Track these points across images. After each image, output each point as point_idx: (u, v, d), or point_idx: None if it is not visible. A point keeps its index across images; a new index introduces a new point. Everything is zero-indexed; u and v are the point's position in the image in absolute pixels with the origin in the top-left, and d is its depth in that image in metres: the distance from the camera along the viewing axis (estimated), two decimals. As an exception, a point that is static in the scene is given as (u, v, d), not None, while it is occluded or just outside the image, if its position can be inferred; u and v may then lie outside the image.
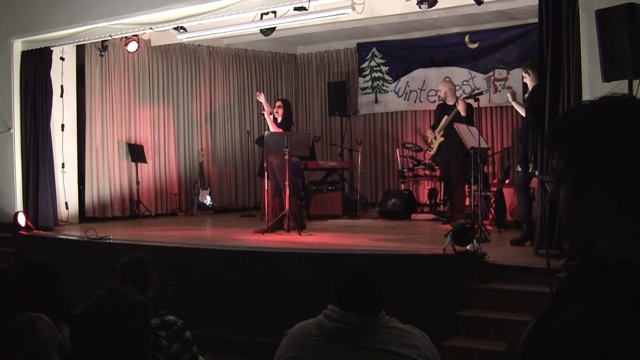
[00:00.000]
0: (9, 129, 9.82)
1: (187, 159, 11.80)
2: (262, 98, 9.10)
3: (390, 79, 11.97)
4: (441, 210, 9.70)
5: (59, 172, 10.05)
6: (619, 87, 5.15)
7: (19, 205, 9.71)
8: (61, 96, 10.18)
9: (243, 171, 12.22)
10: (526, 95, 7.01)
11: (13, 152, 9.81)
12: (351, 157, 11.57)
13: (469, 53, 11.12)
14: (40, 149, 9.63)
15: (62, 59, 10.14)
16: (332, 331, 2.57)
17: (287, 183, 8.16)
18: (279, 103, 9.01)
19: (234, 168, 12.32)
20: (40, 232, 9.31)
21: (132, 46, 10.09)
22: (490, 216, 8.48)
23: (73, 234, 9.09)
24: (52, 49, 9.77)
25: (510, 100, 7.09)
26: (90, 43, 10.01)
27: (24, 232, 9.25)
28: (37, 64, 9.76)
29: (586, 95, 5.62)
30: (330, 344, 2.56)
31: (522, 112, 6.86)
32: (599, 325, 1.01)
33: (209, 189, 11.63)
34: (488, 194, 8.52)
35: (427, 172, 9.86)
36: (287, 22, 8.77)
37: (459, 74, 11.13)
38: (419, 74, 11.67)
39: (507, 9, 9.65)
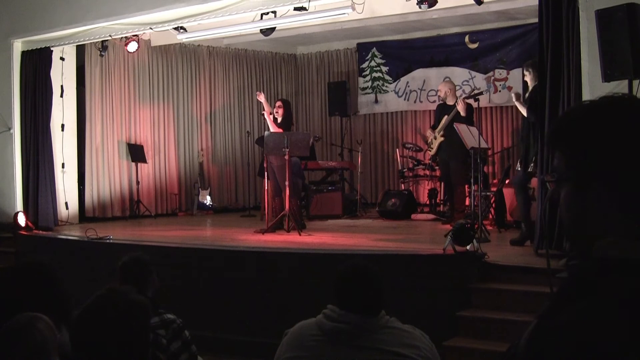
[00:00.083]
0: (9, 129, 9.83)
1: (187, 159, 11.80)
2: (262, 98, 9.10)
3: (390, 79, 11.97)
4: (441, 210, 9.70)
5: (59, 172, 10.05)
6: (619, 87, 5.15)
7: (19, 205, 9.71)
8: (61, 96, 10.18)
9: (243, 171, 12.22)
10: (527, 94, 7.01)
11: (13, 152, 9.81)
12: (351, 157, 11.57)
13: (469, 53, 11.12)
14: (40, 149, 9.63)
15: (62, 59, 10.14)
16: (332, 331, 2.57)
17: (287, 183, 8.16)
18: (279, 103, 9.01)
19: (234, 168, 12.32)
20: (40, 232, 9.31)
21: (132, 46, 10.09)
22: (490, 216, 8.48)
23: (73, 234, 9.09)
24: (52, 49, 9.77)
25: (514, 100, 7.08)
26: (90, 43, 10.01)
27: (24, 232, 9.25)
28: (37, 64, 9.76)
29: (586, 95, 5.62)
30: (330, 344, 2.56)
31: (525, 113, 6.86)
32: (599, 325, 1.01)
33: (209, 189, 11.63)
34: (488, 194, 8.52)
35: (427, 172, 9.86)
36: (287, 22, 8.77)
37: (459, 74, 11.13)
38: (419, 74, 11.67)
39: (507, 9, 9.65)
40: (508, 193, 8.42)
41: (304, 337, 2.62)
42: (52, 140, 9.85)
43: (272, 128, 8.78)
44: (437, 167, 9.53)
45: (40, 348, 2.20)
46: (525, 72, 6.91)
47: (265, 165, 8.81)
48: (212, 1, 8.10)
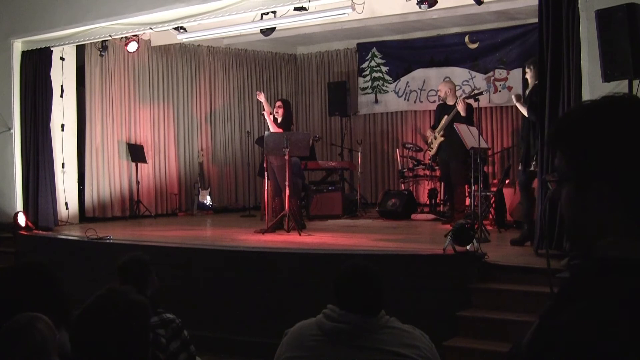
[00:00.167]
0: (9, 129, 9.82)
1: (187, 159, 11.80)
2: (262, 97, 9.10)
3: (390, 79, 11.97)
4: (441, 210, 9.70)
5: (59, 172, 10.05)
6: (619, 87, 5.15)
7: (19, 205, 9.71)
8: (61, 96, 10.18)
9: (243, 171, 12.22)
10: (527, 90, 7.02)
11: (13, 152, 9.81)
12: (351, 157, 11.57)
13: (469, 53, 11.13)
14: (40, 149, 9.63)
15: (62, 59, 10.14)
16: (332, 331, 2.57)
17: (287, 183, 8.16)
18: (279, 103, 9.01)
19: (234, 168, 12.32)
20: (40, 232, 9.31)
21: (132, 46, 10.08)
22: (490, 216, 8.48)
23: (73, 234, 9.09)
24: (52, 49, 9.77)
25: (514, 102, 7.08)
26: (90, 43, 10.01)
27: (24, 232, 9.25)
28: (37, 64, 9.76)
29: (586, 95, 5.61)
30: (330, 343, 2.56)
31: (526, 113, 6.85)
32: (599, 325, 1.01)
33: (209, 189, 11.63)
34: (488, 194, 8.51)
35: (427, 172, 9.86)
36: (287, 22, 8.77)
37: (459, 74, 11.13)
38: (419, 74, 11.67)
39: (507, 9, 9.65)
40: (508, 193, 8.42)
41: (304, 337, 2.62)
42: (52, 140, 9.85)
43: (272, 128, 8.78)
44: (437, 167, 9.53)
45: (40, 348, 2.20)
46: (527, 70, 6.92)
47: (265, 165, 8.81)
48: (212, 1, 8.10)
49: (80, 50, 10.56)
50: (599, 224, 1.15)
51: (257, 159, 11.72)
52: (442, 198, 9.85)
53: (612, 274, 1.08)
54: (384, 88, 12.04)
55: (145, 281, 3.63)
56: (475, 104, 7.98)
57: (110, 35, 9.34)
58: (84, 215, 10.62)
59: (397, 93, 11.92)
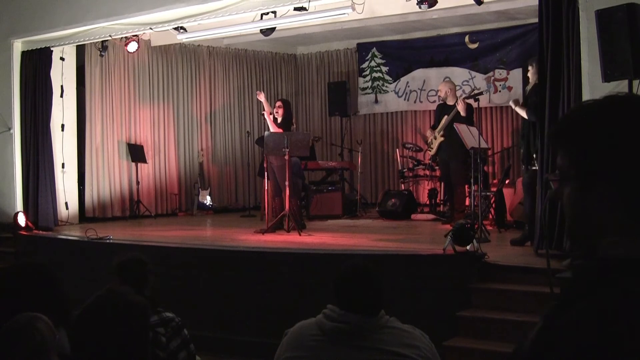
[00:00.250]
0: (9, 129, 9.82)
1: (187, 159, 11.80)
2: (262, 97, 9.10)
3: (390, 79, 11.97)
4: (441, 210, 9.70)
5: (59, 172, 10.05)
6: (619, 87, 5.15)
7: (19, 205, 9.71)
8: (61, 96, 10.18)
9: (243, 171, 12.22)
10: (528, 87, 7.01)
11: (13, 152, 9.81)
12: (351, 157, 11.57)
13: (469, 53, 11.13)
14: (40, 149, 9.63)
15: (62, 59, 10.13)
16: (332, 331, 2.57)
17: (287, 183, 8.16)
18: (279, 103, 9.01)
19: (234, 168, 12.32)
20: (40, 232, 9.31)
21: (132, 46, 10.08)
22: (490, 216, 8.48)
23: (73, 234, 9.08)
24: (52, 49, 9.77)
25: (513, 107, 7.08)
26: (90, 43, 10.01)
27: (24, 232, 9.24)
28: (37, 64, 9.76)
29: (586, 95, 5.62)
30: (330, 343, 2.56)
31: (526, 115, 6.84)
32: (599, 325, 1.01)
33: (209, 189, 11.63)
34: (488, 194, 8.51)
35: (427, 172, 9.86)
36: (287, 22, 8.77)
37: (459, 74, 11.13)
38: (419, 74, 11.67)
39: (507, 9, 9.65)
40: (508, 193, 8.42)
41: (304, 337, 2.62)
42: (52, 140, 9.85)
43: (272, 128, 8.78)
44: (437, 167, 9.52)
45: (39, 348, 2.20)
46: (530, 67, 6.91)
47: (265, 165, 8.81)
48: (212, 1, 8.10)
49: (80, 50, 10.56)
50: (600, 223, 1.15)
51: (257, 159, 11.72)
52: (442, 198, 9.86)
53: (612, 273, 1.08)
54: (384, 88, 12.04)
55: (144, 280, 3.63)
56: (475, 104, 7.98)
57: (110, 35, 9.34)
58: (84, 215, 10.62)
59: (397, 93, 11.92)
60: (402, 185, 10.41)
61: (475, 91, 9.16)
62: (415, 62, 11.67)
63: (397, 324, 2.62)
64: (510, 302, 5.44)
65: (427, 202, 10.06)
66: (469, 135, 7.68)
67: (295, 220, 8.32)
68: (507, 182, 8.85)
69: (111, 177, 10.94)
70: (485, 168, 9.02)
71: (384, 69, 12.02)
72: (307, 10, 7.92)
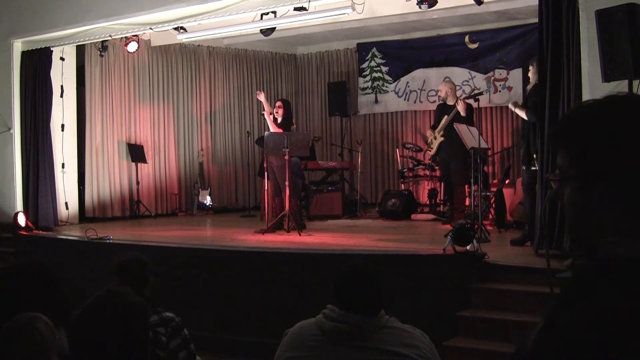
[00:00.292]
0: (9, 129, 9.82)
1: (187, 159, 11.80)
2: (262, 97, 9.10)
3: (390, 79, 11.97)
4: (441, 210, 9.70)
5: (59, 172, 10.05)
6: (619, 87, 5.15)
7: (19, 205, 9.71)
8: (61, 96, 10.18)
9: (243, 171, 12.22)
10: (528, 87, 7.01)
11: (13, 152, 9.81)
12: (351, 157, 11.58)
13: (469, 53, 11.13)
14: (40, 149, 9.63)
15: (62, 59, 10.14)
16: (332, 331, 2.57)
17: (287, 183, 8.16)
18: (279, 103, 9.01)
19: (234, 168, 12.32)
20: (40, 232, 9.31)
21: (132, 46, 10.08)
22: (490, 216, 8.48)
23: (73, 234, 9.08)
24: (52, 49, 9.77)
25: (513, 109, 7.08)
26: (90, 43, 10.01)
27: (24, 232, 9.24)
28: (37, 64, 9.76)
29: (586, 95, 5.61)
30: (330, 344, 2.56)
31: (525, 116, 6.84)
32: (599, 325, 1.01)
33: (209, 189, 11.63)
34: (488, 194, 8.51)
35: (427, 172, 9.86)
36: (287, 22, 8.77)
37: (459, 74, 11.13)
38: (419, 74, 11.67)
39: (507, 9, 9.65)
40: (508, 193, 8.42)
41: (304, 337, 2.62)
42: (52, 140, 9.85)
43: (272, 128, 8.78)
44: (437, 167, 9.53)
45: (39, 348, 2.20)
46: (530, 67, 6.90)
47: (265, 165, 8.81)
48: (212, 1, 8.10)
49: (80, 50, 10.56)
50: (600, 223, 1.15)
51: (257, 159, 11.72)
52: (442, 198, 9.86)
53: (613, 273, 1.08)
54: (384, 88, 12.04)
55: (144, 280, 3.63)
56: (475, 104, 7.98)
57: (110, 35, 9.34)
58: (84, 215, 10.62)
59: (397, 93, 11.93)
60: (402, 185, 10.41)
61: (475, 91, 9.16)
62: (415, 62, 11.67)
63: (397, 324, 2.62)
64: (510, 302, 5.44)
65: (427, 202, 10.07)
66: (469, 135, 7.68)
67: (295, 220, 8.31)
68: (507, 182, 8.85)
69: (111, 177, 10.95)
70: (485, 168, 9.02)
71: (384, 69, 12.03)
72: (307, 10, 7.92)
